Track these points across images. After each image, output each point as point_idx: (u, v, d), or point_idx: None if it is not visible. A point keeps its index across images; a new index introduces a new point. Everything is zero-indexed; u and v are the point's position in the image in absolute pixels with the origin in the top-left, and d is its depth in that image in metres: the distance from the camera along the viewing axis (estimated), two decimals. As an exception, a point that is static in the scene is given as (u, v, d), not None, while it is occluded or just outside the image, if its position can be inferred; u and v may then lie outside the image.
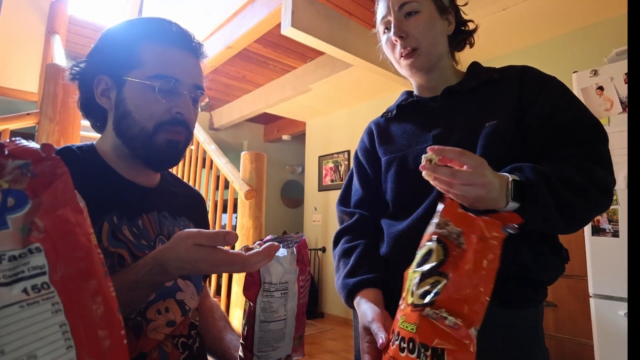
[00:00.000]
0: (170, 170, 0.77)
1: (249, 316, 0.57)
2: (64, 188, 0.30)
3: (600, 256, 1.72)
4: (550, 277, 0.65)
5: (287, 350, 0.60)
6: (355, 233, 0.78)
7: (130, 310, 0.54)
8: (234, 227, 2.29)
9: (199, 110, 0.70)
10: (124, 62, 0.62)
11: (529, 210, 0.54)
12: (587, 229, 1.77)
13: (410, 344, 0.44)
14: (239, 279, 2.11)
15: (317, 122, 4.64)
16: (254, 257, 0.48)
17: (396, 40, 0.74)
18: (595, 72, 1.84)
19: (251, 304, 0.57)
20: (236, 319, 2.05)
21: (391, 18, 0.74)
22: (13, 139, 0.29)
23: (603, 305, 1.70)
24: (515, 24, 2.52)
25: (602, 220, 1.73)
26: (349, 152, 4.16)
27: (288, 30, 2.31)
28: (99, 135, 0.69)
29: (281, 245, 0.59)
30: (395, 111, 0.84)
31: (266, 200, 2.35)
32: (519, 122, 0.66)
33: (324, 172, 4.45)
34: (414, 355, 0.43)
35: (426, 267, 0.47)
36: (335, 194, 4.14)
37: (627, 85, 1.75)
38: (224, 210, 2.48)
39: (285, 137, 5.19)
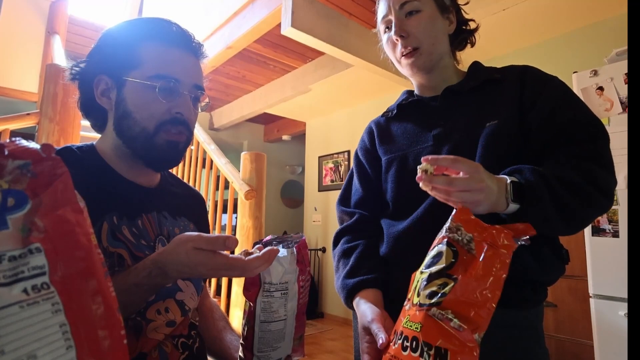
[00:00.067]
0: (170, 170, 0.77)
1: (249, 316, 0.57)
2: (64, 188, 0.30)
3: (600, 256, 1.72)
4: (550, 278, 0.65)
5: (287, 350, 0.60)
6: (355, 233, 0.78)
7: (129, 312, 0.54)
8: (234, 227, 2.29)
9: (199, 110, 0.70)
10: (124, 62, 0.62)
11: (529, 212, 0.54)
12: (587, 229, 1.77)
13: (414, 343, 0.44)
14: (239, 279, 2.11)
15: (317, 122, 4.64)
16: (253, 262, 0.48)
17: (397, 40, 0.73)
18: (595, 72, 1.84)
19: (251, 304, 0.57)
20: (236, 319, 2.05)
21: (392, 17, 0.73)
22: (13, 139, 0.29)
23: (603, 305, 1.69)
24: (515, 24, 2.52)
25: (602, 220, 1.73)
26: (349, 152, 4.16)
27: (288, 30, 2.31)
28: (99, 135, 0.69)
29: (281, 245, 0.59)
30: (395, 111, 0.84)
31: (266, 200, 2.35)
32: (519, 122, 0.66)
33: (324, 172, 4.45)
34: (417, 354, 0.42)
35: (435, 268, 0.47)
36: (335, 194, 4.14)
37: (627, 85, 1.75)
38: (224, 211, 2.48)
39: (285, 137, 5.19)
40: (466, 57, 0.83)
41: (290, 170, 5.66)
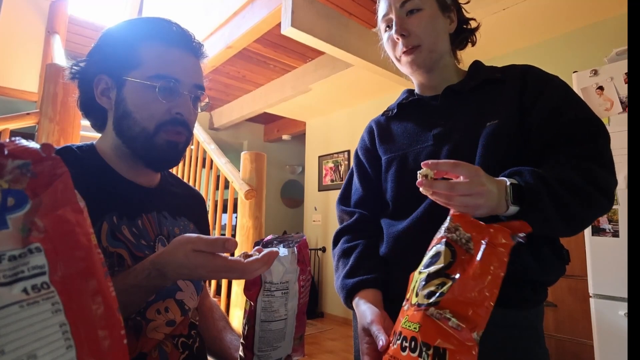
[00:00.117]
0: (170, 170, 0.77)
1: (250, 316, 0.57)
2: (64, 188, 0.30)
3: (600, 256, 1.72)
4: (550, 278, 0.65)
5: (287, 349, 0.60)
6: (355, 233, 0.78)
7: (129, 312, 0.54)
8: (234, 227, 2.29)
9: (199, 110, 0.70)
10: (124, 62, 0.62)
11: (528, 214, 0.54)
12: (587, 229, 1.77)
13: (412, 343, 0.44)
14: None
15: (317, 122, 4.64)
16: (253, 265, 0.48)
17: (398, 39, 0.73)
18: (595, 72, 1.84)
19: (252, 303, 0.57)
20: (236, 319, 2.05)
21: (393, 16, 0.73)
22: (13, 138, 0.29)
23: (603, 305, 1.69)
24: (515, 24, 2.52)
25: (602, 220, 1.73)
26: (349, 152, 4.16)
27: (288, 30, 2.31)
28: (99, 135, 0.69)
29: (282, 245, 0.59)
30: (396, 110, 0.83)
31: (266, 200, 2.35)
32: (520, 121, 0.66)
33: (324, 172, 4.45)
34: (416, 354, 0.43)
35: (433, 268, 0.48)
36: (335, 194, 4.14)
37: (627, 85, 1.75)
38: (224, 210, 2.48)
39: (285, 137, 5.19)
40: (466, 57, 0.83)
41: (290, 170, 5.66)
